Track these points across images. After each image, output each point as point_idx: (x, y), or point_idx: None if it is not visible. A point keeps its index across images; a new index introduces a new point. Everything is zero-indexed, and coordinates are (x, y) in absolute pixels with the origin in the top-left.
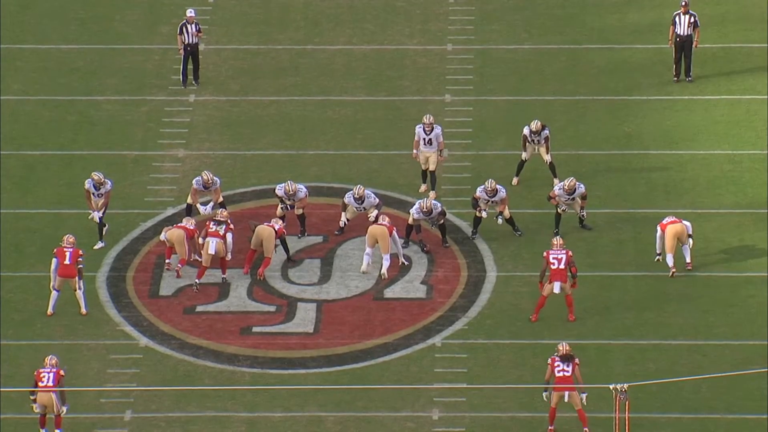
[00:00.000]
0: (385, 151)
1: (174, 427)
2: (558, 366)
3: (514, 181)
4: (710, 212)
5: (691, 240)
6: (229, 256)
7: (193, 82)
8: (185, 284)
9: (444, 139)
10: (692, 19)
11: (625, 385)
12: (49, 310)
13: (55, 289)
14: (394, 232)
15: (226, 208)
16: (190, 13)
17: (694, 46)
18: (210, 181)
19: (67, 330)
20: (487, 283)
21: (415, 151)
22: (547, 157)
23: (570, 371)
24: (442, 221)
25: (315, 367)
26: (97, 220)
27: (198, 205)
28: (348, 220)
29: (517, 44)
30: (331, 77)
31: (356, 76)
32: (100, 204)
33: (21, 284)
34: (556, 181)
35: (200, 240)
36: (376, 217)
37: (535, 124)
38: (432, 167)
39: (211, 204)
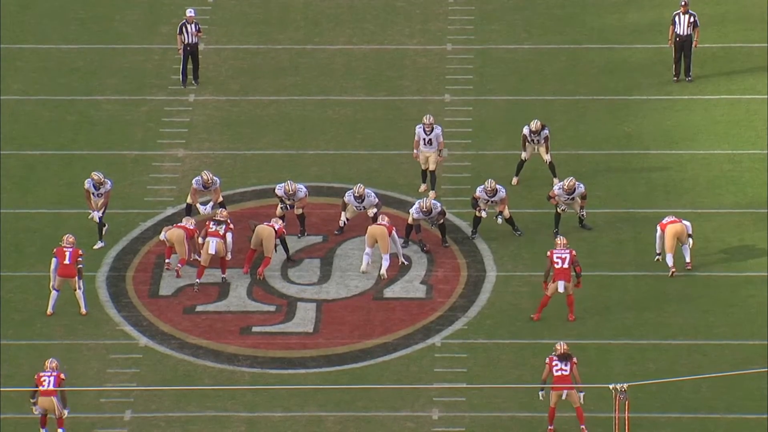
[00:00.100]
0: (385, 151)
1: (174, 427)
2: (556, 365)
3: (514, 180)
4: (710, 212)
5: (691, 240)
6: (229, 256)
7: (193, 82)
8: (185, 284)
9: (444, 139)
10: (692, 19)
11: (625, 385)
12: (49, 310)
13: (54, 288)
14: (394, 232)
15: (225, 208)
16: (189, 12)
17: (693, 45)
18: (210, 181)
19: (67, 330)
20: (487, 283)
21: (415, 151)
22: (547, 157)
23: (568, 370)
24: (441, 221)
25: (315, 367)
26: (97, 220)
27: (198, 205)
28: (348, 219)
29: (517, 44)
30: (331, 77)
31: (356, 76)
32: (99, 204)
33: (21, 284)
34: (555, 180)
35: (200, 240)
36: (375, 217)
37: (535, 124)
38: (432, 167)
39: (211, 204)
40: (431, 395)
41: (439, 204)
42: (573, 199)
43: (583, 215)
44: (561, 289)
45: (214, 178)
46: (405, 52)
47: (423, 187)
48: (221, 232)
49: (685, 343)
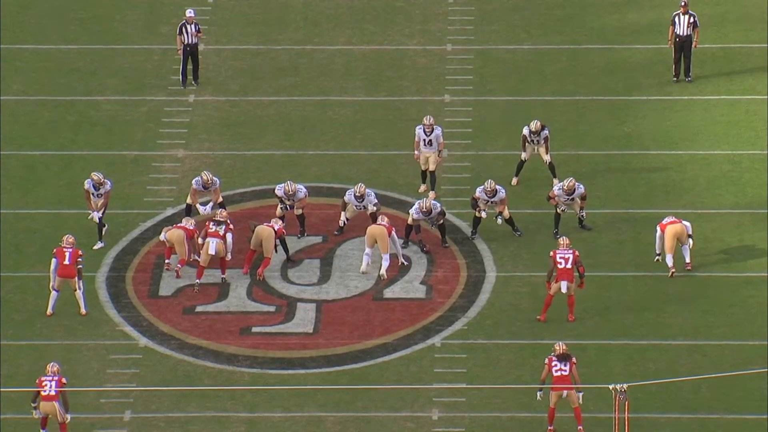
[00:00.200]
0: (385, 151)
1: (173, 427)
2: (555, 365)
3: (514, 181)
4: (710, 212)
5: (690, 240)
6: (229, 256)
7: (193, 83)
8: (185, 284)
9: (444, 139)
10: (692, 19)
11: (625, 385)
12: (49, 311)
13: (54, 289)
14: (393, 233)
15: (225, 209)
16: (189, 13)
17: (693, 46)
18: (209, 182)
19: (67, 330)
20: (487, 284)
21: (416, 152)
22: (547, 158)
23: (567, 370)
24: (441, 221)
25: (315, 368)
26: (97, 221)
27: (197, 206)
28: (348, 219)
29: (516, 44)
30: (331, 77)
31: (356, 76)
32: (99, 204)
33: (21, 284)
34: (555, 181)
35: (200, 240)
36: (375, 217)
37: (535, 125)
38: (432, 167)
39: (211, 204)
40: (431, 395)
41: (438, 204)
42: (573, 199)
43: (582, 216)
44: (564, 290)
45: (214, 178)
46: (405, 52)
47: (423, 187)
48: (221, 233)
49: (685, 343)
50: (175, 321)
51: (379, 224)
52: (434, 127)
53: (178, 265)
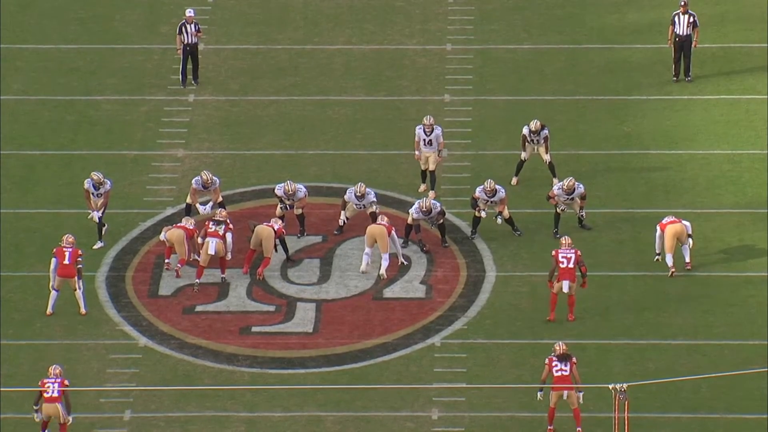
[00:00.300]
0: (385, 151)
1: (173, 426)
2: (556, 366)
3: (514, 180)
4: (710, 212)
5: (690, 240)
6: (229, 256)
7: (193, 82)
8: (184, 284)
9: (443, 139)
10: (691, 19)
11: (625, 385)
12: (49, 310)
13: (54, 288)
14: (393, 232)
15: (225, 208)
16: (189, 13)
17: (693, 46)
18: (209, 181)
19: (67, 330)
20: (487, 283)
21: (416, 152)
22: (547, 157)
23: (568, 370)
24: (441, 221)
25: (314, 367)
26: (97, 220)
27: (197, 205)
28: (347, 218)
29: (516, 44)
30: (331, 77)
31: (356, 76)
32: (99, 204)
33: (21, 284)
34: (555, 180)
35: (199, 240)
36: (375, 217)
37: (535, 124)
38: (431, 167)
39: (211, 204)
40: (431, 395)
41: (438, 204)
42: (572, 199)
43: (582, 215)
44: (566, 289)
45: (214, 178)
46: (405, 52)
47: (423, 187)
48: (221, 233)
49: (685, 343)
50: (174, 321)
51: (379, 224)
52: (434, 127)
53: (178, 265)
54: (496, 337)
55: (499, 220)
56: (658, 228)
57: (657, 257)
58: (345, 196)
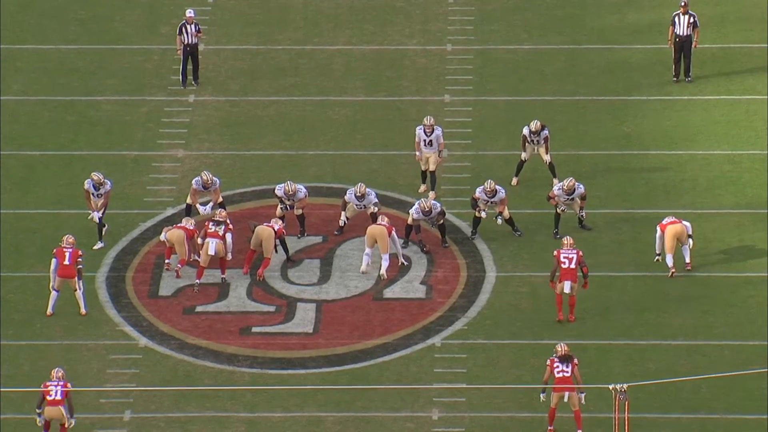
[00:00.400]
0: (385, 151)
1: (173, 427)
2: (557, 367)
3: (514, 181)
4: (710, 212)
5: (691, 240)
6: (229, 256)
7: (193, 83)
8: (185, 284)
9: (444, 139)
10: (692, 20)
11: (625, 386)
12: (49, 311)
13: (54, 289)
14: (393, 233)
15: (225, 209)
16: (189, 13)
17: (693, 46)
18: (209, 182)
19: (67, 330)
20: (487, 284)
21: (417, 153)
22: (547, 158)
23: (569, 372)
24: (441, 221)
25: (314, 368)
26: (97, 221)
27: (197, 206)
28: (348, 219)
29: (516, 44)
30: (331, 77)
31: (356, 76)
32: (99, 204)
33: (21, 284)
34: (555, 181)
35: (199, 240)
36: (375, 217)
37: (535, 124)
38: (432, 168)
39: (211, 204)
40: (431, 395)
41: (438, 204)
42: (573, 199)
43: (582, 216)
44: (567, 290)
45: (214, 178)
46: (405, 52)
47: (423, 187)
48: (220, 233)
49: (684, 343)
50: (175, 321)
51: (379, 224)
52: (434, 127)
53: (178, 265)
54: (496, 337)
55: (499, 221)
56: (658, 228)
57: (657, 258)
58: (345, 197)
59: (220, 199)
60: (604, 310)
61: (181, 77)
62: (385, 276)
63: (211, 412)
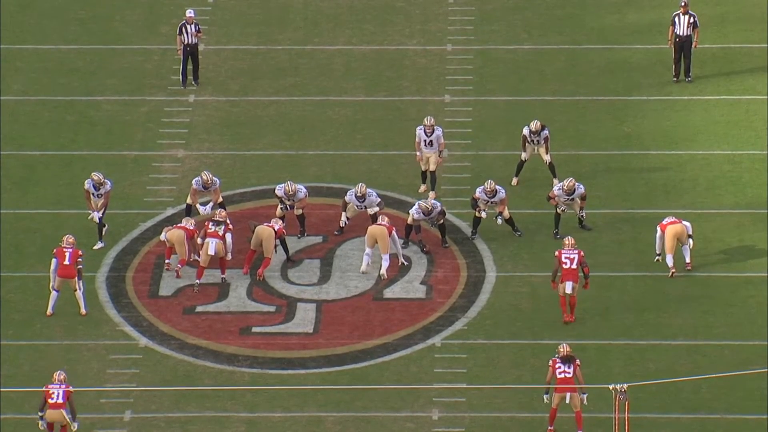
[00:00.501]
0: (385, 152)
1: (173, 427)
2: (559, 367)
3: (514, 181)
4: (710, 212)
5: (691, 240)
6: (229, 256)
7: (193, 83)
8: (185, 284)
9: (444, 139)
10: (692, 20)
11: (625, 386)
12: (49, 311)
13: (54, 289)
14: (394, 233)
15: (225, 209)
16: (189, 13)
17: (693, 46)
18: (209, 182)
19: (67, 330)
20: (487, 284)
21: (418, 153)
22: (547, 158)
23: (571, 372)
24: (441, 221)
25: (315, 368)
26: (97, 221)
27: (197, 206)
28: (348, 219)
29: (516, 44)
30: (331, 77)
31: (356, 76)
32: (99, 204)
33: (21, 284)
34: (555, 181)
35: (199, 240)
36: (375, 217)
37: (535, 125)
38: (432, 168)
39: (211, 204)
40: (431, 395)
41: (439, 204)
42: (573, 199)
43: (582, 216)
44: (568, 290)
45: (214, 178)
46: (405, 52)
47: (423, 187)
48: (220, 233)
49: (685, 343)
50: (175, 321)
51: (380, 224)
52: (435, 127)
53: (178, 265)
54: (496, 337)
55: (499, 221)
56: (658, 228)
57: (657, 258)
58: (346, 197)
59: (220, 199)
60: (604, 310)
61: (181, 77)
62: (385, 276)
63: (211, 412)
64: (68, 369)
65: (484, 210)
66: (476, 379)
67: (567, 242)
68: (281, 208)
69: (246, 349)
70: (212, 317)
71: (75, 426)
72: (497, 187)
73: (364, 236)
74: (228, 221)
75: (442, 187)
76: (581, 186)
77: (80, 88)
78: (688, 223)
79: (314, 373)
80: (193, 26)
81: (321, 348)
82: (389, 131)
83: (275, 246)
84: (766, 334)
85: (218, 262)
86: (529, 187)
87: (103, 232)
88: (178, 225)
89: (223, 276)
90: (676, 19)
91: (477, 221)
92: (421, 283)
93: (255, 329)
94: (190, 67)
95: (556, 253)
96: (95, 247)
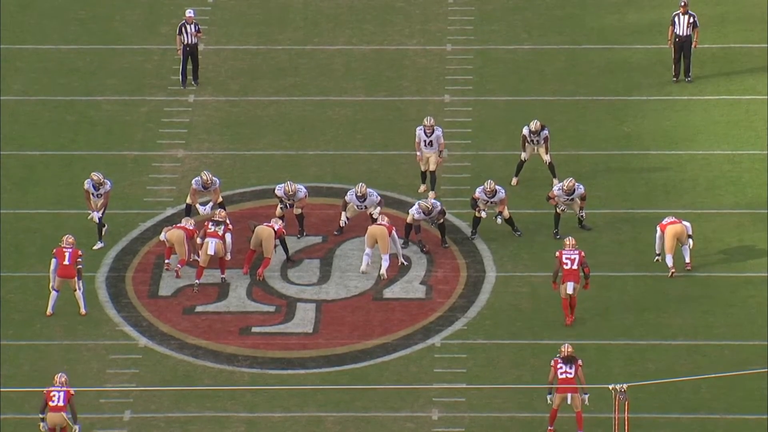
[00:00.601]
0: (385, 152)
1: (173, 427)
2: (561, 368)
3: (514, 181)
4: (710, 212)
5: (691, 240)
6: (228, 256)
7: (193, 83)
8: (184, 284)
9: (444, 139)
10: (691, 20)
11: (625, 386)
12: (49, 311)
13: (54, 289)
14: (394, 232)
15: (225, 209)
16: (189, 13)
17: (693, 46)
18: (209, 182)
19: (67, 330)
20: (487, 284)
21: (418, 153)
22: (547, 158)
23: (572, 373)
24: (441, 221)
25: (314, 368)
26: (97, 221)
27: (197, 206)
28: (348, 219)
29: (516, 44)
30: (331, 77)
31: (356, 76)
32: (99, 204)
33: (21, 284)
34: (555, 181)
35: (199, 240)
36: (375, 217)
37: (535, 124)
38: (432, 168)
39: (211, 204)
40: (431, 395)
41: (439, 204)
42: (572, 199)
43: (582, 216)
44: (570, 291)
45: (214, 178)
46: (405, 52)
47: (423, 187)
48: (220, 233)
49: (684, 343)
50: (174, 321)
51: (380, 224)
52: (435, 127)
53: (178, 265)
54: (496, 337)
55: (499, 221)
56: (658, 229)
57: (657, 258)
58: (346, 197)
59: (220, 199)
60: (604, 310)
61: (181, 77)
62: (385, 276)
63: (211, 412)
64: (68, 369)
65: (483, 210)
66: (476, 379)
67: (568, 242)
68: (281, 208)
69: (246, 349)
70: (212, 317)
71: (76, 428)
72: (497, 187)
73: (363, 236)
74: (228, 221)
75: (442, 187)
76: (581, 186)
77: (80, 88)
78: (688, 223)
79: (314, 373)
80: (192, 26)
81: (321, 348)
82: (389, 131)
83: (275, 246)
84: (766, 334)
85: (218, 262)
86: (529, 187)
87: (103, 232)
88: (178, 225)
89: (223, 276)
90: (676, 19)
91: (477, 221)
92: (421, 283)
93: (255, 329)
94: (189, 67)
95: (557, 253)
96: (95, 247)
